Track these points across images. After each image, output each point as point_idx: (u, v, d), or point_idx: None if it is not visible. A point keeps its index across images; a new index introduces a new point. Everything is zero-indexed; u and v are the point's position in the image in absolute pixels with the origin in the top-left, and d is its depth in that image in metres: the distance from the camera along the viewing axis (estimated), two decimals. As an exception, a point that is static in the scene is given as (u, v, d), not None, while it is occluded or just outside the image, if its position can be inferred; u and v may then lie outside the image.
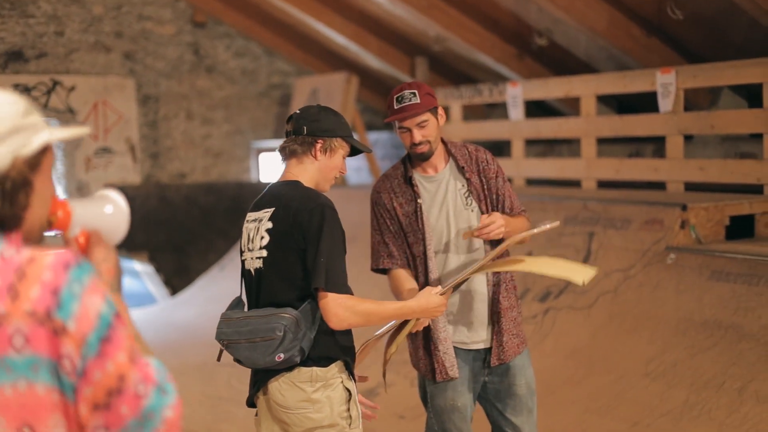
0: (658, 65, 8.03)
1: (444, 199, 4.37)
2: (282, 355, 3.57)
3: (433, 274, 4.28)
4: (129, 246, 11.59)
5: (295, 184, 3.81)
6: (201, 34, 12.58)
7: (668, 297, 6.29)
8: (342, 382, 3.70)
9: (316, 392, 3.65)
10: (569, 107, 9.71)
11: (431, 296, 3.82)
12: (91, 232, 2.12)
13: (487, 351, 4.42)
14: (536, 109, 9.99)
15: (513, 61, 9.84)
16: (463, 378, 4.41)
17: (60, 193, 2.26)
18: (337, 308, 3.58)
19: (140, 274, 11.41)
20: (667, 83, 7.69)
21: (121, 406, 1.76)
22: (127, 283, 11.29)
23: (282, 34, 12.42)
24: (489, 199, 4.40)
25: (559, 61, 9.64)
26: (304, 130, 3.84)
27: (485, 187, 4.41)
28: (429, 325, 4.30)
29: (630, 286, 6.62)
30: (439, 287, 3.89)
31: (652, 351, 6.12)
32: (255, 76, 12.95)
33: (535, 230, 3.95)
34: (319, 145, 3.85)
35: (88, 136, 11.71)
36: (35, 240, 1.98)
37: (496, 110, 10.71)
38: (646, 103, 8.30)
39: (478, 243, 4.34)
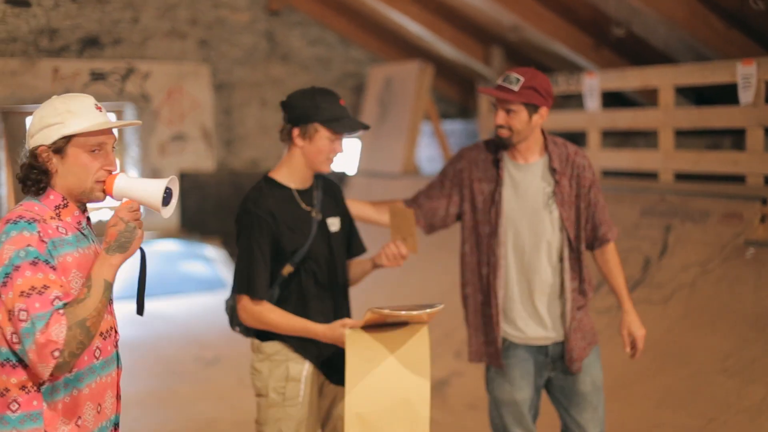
0: (738, 56, 7.89)
1: (525, 192, 4.33)
2: (237, 328, 4.19)
3: (501, 263, 4.29)
4: (203, 231, 11.68)
5: (257, 183, 4.12)
6: (276, 22, 12.61)
7: (747, 292, 6.18)
8: (288, 362, 4.05)
9: (259, 362, 4.10)
10: (646, 98, 9.59)
11: (337, 329, 3.85)
12: (128, 202, 3.00)
13: (554, 346, 4.39)
14: (612, 99, 9.88)
15: (589, 51, 9.75)
16: (524, 372, 4.39)
17: (117, 168, 2.67)
18: (241, 311, 4.01)
19: (213, 260, 11.49)
20: (748, 75, 7.55)
21: (14, 322, 2.80)
22: (200, 268, 11.38)
23: (356, 22, 12.43)
24: (576, 207, 4.35)
25: (637, 51, 9.52)
26: (285, 119, 4.09)
27: (575, 194, 4.35)
28: (488, 313, 4.38)
29: (708, 281, 6.52)
30: (349, 321, 3.87)
31: (729, 346, 6.02)
32: (329, 64, 12.97)
33: (414, 312, 3.72)
34: (296, 133, 4.01)
35: (162, 123, 11.81)
36: (80, 199, 3.07)
37: (572, 101, 10.61)
38: (725, 94, 8.17)
39: (556, 255, 4.34)
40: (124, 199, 3.03)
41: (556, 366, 4.41)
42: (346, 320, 3.85)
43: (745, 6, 7.74)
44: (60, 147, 3.00)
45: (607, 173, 9.17)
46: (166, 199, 3.02)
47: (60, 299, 2.81)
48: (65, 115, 3.00)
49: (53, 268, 2.86)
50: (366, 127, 4.09)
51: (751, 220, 6.58)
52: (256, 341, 4.12)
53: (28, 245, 2.84)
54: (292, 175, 4.08)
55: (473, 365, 7.06)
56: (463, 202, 4.49)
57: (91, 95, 3.12)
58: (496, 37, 10.89)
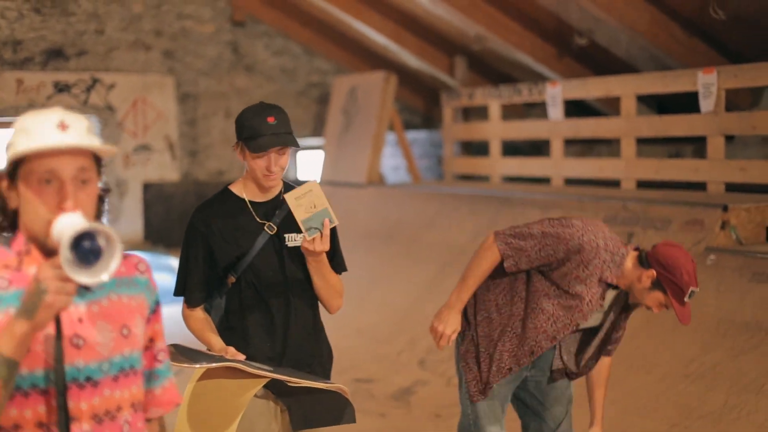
0: (700, 65, 7.97)
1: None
2: None
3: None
4: (167, 242, 11.64)
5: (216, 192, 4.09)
6: (240, 33, 12.61)
7: (709, 298, 6.22)
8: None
9: None
10: (609, 107, 9.65)
11: (230, 350, 3.80)
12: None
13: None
14: (575, 109, 9.94)
15: (553, 60, 9.80)
16: (510, 378, 4.43)
17: (71, 206, 2.29)
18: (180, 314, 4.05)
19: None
20: (708, 83, 7.62)
21: None
22: (165, 279, 11.31)
23: (321, 32, 12.44)
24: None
25: (599, 61, 9.59)
26: None
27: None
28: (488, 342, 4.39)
29: (670, 287, 6.56)
30: (232, 350, 3.83)
31: (693, 352, 6.06)
32: (294, 74, 12.97)
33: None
34: (235, 148, 3.95)
35: (127, 134, 11.77)
36: (45, 247, 2.29)
37: (535, 110, 10.67)
38: (686, 103, 8.24)
39: None
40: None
41: (535, 364, 4.44)
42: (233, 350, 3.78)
43: (705, 15, 7.82)
44: (12, 175, 2.31)
45: (570, 181, 9.22)
46: (86, 256, 2.13)
47: None
48: (19, 134, 2.30)
49: None
50: (287, 144, 3.83)
51: (712, 227, 6.63)
52: None
53: None
54: (247, 186, 3.99)
55: (438, 373, 7.07)
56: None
57: (61, 110, 2.31)
58: (460, 47, 10.93)
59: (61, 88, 11.21)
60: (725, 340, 5.95)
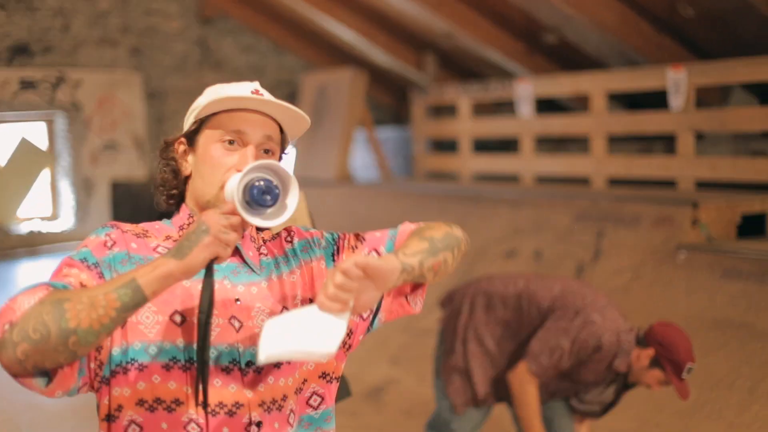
0: (669, 62, 7.98)
1: None
2: None
3: None
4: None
5: None
6: (208, 30, 12.53)
7: (679, 296, 6.23)
8: None
9: None
10: (579, 104, 9.66)
11: None
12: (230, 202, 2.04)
13: None
14: (545, 106, 9.94)
15: (522, 57, 9.79)
16: None
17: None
18: None
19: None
20: (678, 80, 7.64)
21: None
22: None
23: (290, 29, 12.38)
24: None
25: (569, 57, 9.59)
26: None
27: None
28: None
29: (640, 285, 6.56)
30: None
31: (663, 350, 6.06)
32: (262, 71, 12.90)
33: None
34: None
35: (94, 132, 11.67)
36: (209, 207, 2.14)
37: (505, 107, 10.66)
38: (656, 100, 8.25)
39: None
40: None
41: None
42: None
43: (674, 12, 7.83)
44: (193, 136, 2.28)
45: (541, 179, 9.22)
46: (260, 197, 2.02)
47: (71, 285, 2.02)
48: (209, 95, 2.26)
49: (99, 275, 2.08)
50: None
51: (682, 224, 6.62)
52: None
53: (85, 246, 2.12)
54: None
55: (410, 371, 7.04)
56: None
57: (256, 83, 2.30)
58: (429, 44, 10.91)
59: (27, 84, 11.09)
60: (696, 337, 5.91)
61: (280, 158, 2.28)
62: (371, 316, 2.31)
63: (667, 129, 7.93)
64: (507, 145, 10.39)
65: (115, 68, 11.87)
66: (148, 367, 2.07)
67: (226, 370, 2.10)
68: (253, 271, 2.21)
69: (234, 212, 1.99)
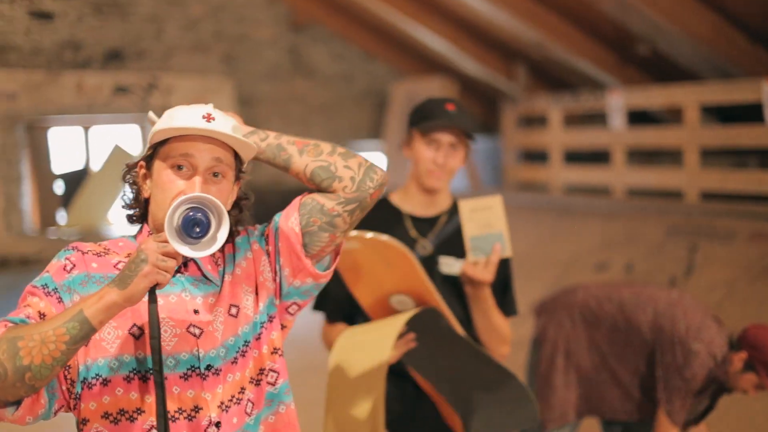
0: (765, 75, 7.86)
1: None
2: None
3: None
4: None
5: None
6: (299, 38, 12.63)
7: (773, 313, 6.14)
8: None
9: None
10: (672, 116, 9.55)
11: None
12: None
13: None
14: (637, 117, 9.84)
15: (614, 68, 9.72)
16: None
17: (193, 191, 2.22)
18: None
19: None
20: (774, 94, 7.52)
21: None
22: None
23: (380, 38, 12.43)
24: None
25: (662, 69, 9.49)
26: None
27: None
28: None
29: (734, 302, 6.47)
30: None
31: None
32: (352, 80, 12.97)
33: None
34: (403, 141, 3.58)
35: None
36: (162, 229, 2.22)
37: (596, 118, 10.58)
38: (751, 113, 8.13)
39: None
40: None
41: None
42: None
43: (769, 23, 7.72)
44: (149, 161, 2.35)
45: (633, 192, 9.13)
46: (190, 228, 2.14)
47: (27, 317, 2.16)
48: (164, 120, 2.33)
49: (59, 299, 2.22)
50: (463, 128, 3.37)
51: (778, 240, 6.53)
52: None
53: (47, 271, 2.26)
54: (408, 195, 3.55)
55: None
56: None
57: (211, 106, 2.37)
58: (519, 54, 10.87)
59: (120, 89, 11.28)
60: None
61: (236, 178, 2.39)
62: (278, 279, 2.47)
63: (763, 143, 7.81)
64: (598, 157, 10.31)
65: (207, 74, 12.02)
66: (111, 381, 2.22)
67: (185, 377, 2.25)
68: (212, 282, 2.37)
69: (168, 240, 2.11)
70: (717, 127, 8.56)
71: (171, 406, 2.23)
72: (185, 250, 2.11)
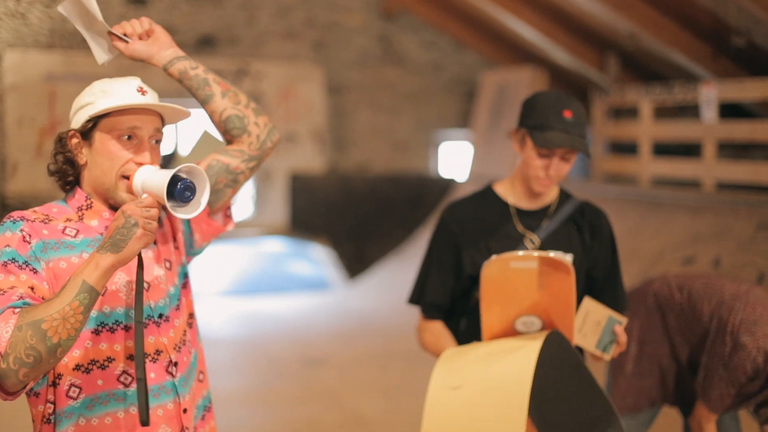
0: None
1: None
2: None
3: None
4: (311, 231, 11.74)
5: (477, 189, 3.62)
6: (390, 26, 12.63)
7: None
8: None
9: None
10: (765, 110, 9.36)
11: None
12: (148, 198, 2.43)
13: None
14: (729, 111, 9.66)
15: (708, 60, 9.54)
16: None
17: (148, 160, 2.32)
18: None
19: (319, 260, 11.54)
20: None
21: None
22: (306, 268, 11.43)
23: (471, 27, 12.37)
24: None
25: (757, 61, 9.30)
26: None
27: None
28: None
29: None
30: None
31: None
32: (442, 68, 12.94)
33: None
34: (513, 135, 3.46)
35: (275, 123, 11.88)
36: (106, 199, 2.60)
37: (688, 111, 10.41)
38: None
39: None
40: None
41: None
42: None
43: None
44: (88, 132, 2.57)
45: (723, 186, 8.97)
46: (182, 194, 2.45)
47: (23, 298, 2.34)
48: (98, 94, 2.57)
49: (33, 270, 2.42)
50: (578, 149, 3.26)
51: None
52: None
53: (7, 246, 2.43)
54: (514, 187, 3.47)
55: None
56: None
57: (137, 78, 2.66)
58: (611, 44, 10.74)
59: (213, 75, 11.38)
60: None
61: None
62: (186, 238, 2.84)
63: None
64: (688, 150, 10.15)
65: (297, 61, 12.07)
66: (80, 336, 2.48)
67: (144, 326, 2.57)
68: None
69: (152, 205, 2.39)
70: (812, 122, 8.38)
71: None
72: (180, 213, 2.46)
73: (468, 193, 3.54)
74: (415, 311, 3.82)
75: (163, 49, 2.83)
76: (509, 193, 3.47)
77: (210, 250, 11.42)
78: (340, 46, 12.40)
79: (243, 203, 11.99)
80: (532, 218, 3.42)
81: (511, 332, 3.18)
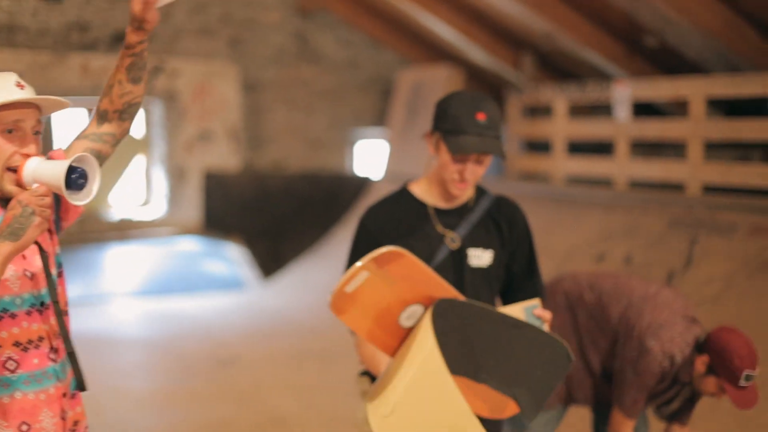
0: (772, 69, 7.79)
1: None
2: None
3: None
4: (225, 229, 11.65)
5: (392, 191, 3.55)
6: (306, 23, 12.57)
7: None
8: None
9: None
10: (677, 109, 9.48)
11: None
12: (40, 187, 2.53)
13: None
14: (642, 109, 9.76)
15: (621, 59, 9.64)
16: None
17: (33, 151, 2.38)
18: None
19: (234, 259, 11.45)
20: (780, 87, 7.44)
21: None
22: (221, 267, 11.33)
23: (388, 25, 12.37)
24: None
25: (669, 61, 9.41)
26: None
27: None
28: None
29: (732, 295, 6.40)
30: None
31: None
32: (359, 67, 12.91)
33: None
34: (427, 138, 3.41)
35: (189, 121, 11.78)
36: None
37: (601, 110, 10.50)
38: (757, 107, 8.05)
39: None
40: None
41: None
42: None
43: (780, 18, 7.64)
44: None
45: (635, 184, 9.06)
46: (76, 182, 2.58)
47: None
48: None
49: None
50: (492, 152, 3.26)
51: (779, 234, 6.46)
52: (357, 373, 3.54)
53: None
54: (431, 188, 3.44)
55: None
56: None
57: (13, 73, 2.73)
58: (527, 44, 10.80)
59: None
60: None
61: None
62: (57, 229, 2.86)
63: (767, 137, 7.73)
64: (602, 148, 10.24)
65: (213, 58, 11.96)
66: (18, 315, 2.64)
67: (29, 313, 2.67)
68: None
69: (46, 194, 2.51)
70: (722, 121, 8.48)
71: (41, 332, 2.69)
72: (75, 200, 2.57)
73: (384, 195, 3.50)
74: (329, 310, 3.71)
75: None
76: (426, 193, 3.44)
77: (122, 249, 11.24)
78: (256, 44, 12.32)
79: (156, 202, 11.85)
80: (451, 217, 3.41)
81: (403, 332, 3.10)
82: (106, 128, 2.90)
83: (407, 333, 3.09)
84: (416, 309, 3.05)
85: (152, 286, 10.73)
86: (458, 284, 3.29)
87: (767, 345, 5.88)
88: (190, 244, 11.62)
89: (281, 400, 7.06)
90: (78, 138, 2.88)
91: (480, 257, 3.39)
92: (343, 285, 2.89)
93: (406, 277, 2.98)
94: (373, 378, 3.40)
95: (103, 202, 11.63)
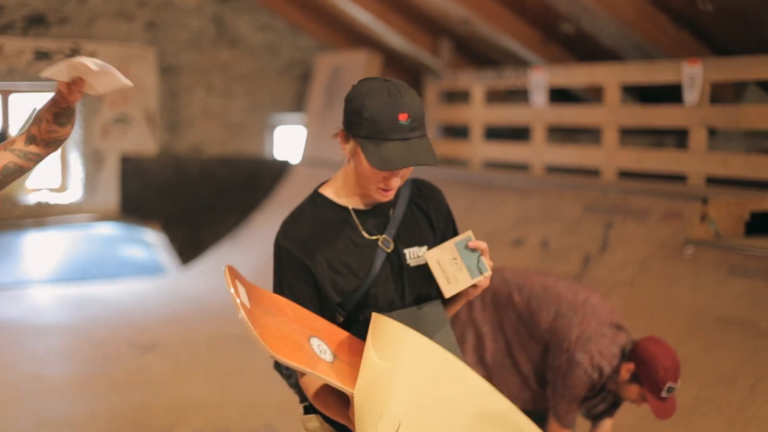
0: (686, 57, 7.92)
1: None
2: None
3: None
4: (142, 214, 11.56)
5: (304, 200, 3.14)
6: (224, 7, 12.49)
7: (684, 291, 6.19)
8: None
9: None
10: (592, 95, 9.61)
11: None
12: None
13: None
14: (558, 95, 9.88)
15: (538, 46, 9.73)
16: None
17: None
18: None
19: (152, 244, 11.37)
20: (693, 75, 7.58)
21: None
22: (139, 252, 11.24)
23: (306, 10, 12.34)
24: None
25: (585, 48, 9.53)
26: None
27: None
28: None
29: (646, 279, 6.52)
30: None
31: (666, 344, 6.04)
32: (277, 51, 12.87)
33: None
34: (341, 139, 3.03)
35: (106, 104, 11.65)
36: None
37: (518, 95, 10.60)
38: (670, 94, 8.20)
39: None
40: None
41: None
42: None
43: (693, 7, 7.76)
44: None
45: (552, 169, 9.18)
46: None
47: None
48: None
49: None
50: (424, 164, 2.73)
51: (690, 219, 6.59)
52: (301, 411, 3.13)
53: None
54: (346, 189, 3.04)
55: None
56: None
57: None
58: (445, 29, 10.85)
59: (41, 55, 11.07)
60: (699, 333, 5.91)
61: None
62: None
63: (680, 123, 7.87)
64: (519, 134, 10.35)
65: (130, 42, 11.84)
66: None
67: None
68: None
69: None
70: (636, 107, 8.63)
71: None
72: None
73: (297, 206, 3.06)
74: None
75: None
76: (342, 196, 3.03)
77: (38, 235, 11.08)
78: (174, 27, 12.21)
79: (72, 187, 11.72)
80: (376, 217, 3.01)
81: (337, 363, 2.75)
82: (33, 149, 2.97)
83: (342, 363, 2.77)
84: (320, 342, 2.77)
85: (69, 272, 10.62)
86: (399, 289, 2.98)
87: (680, 327, 6.04)
88: (108, 229, 11.50)
89: (200, 386, 7.05)
90: (4, 148, 2.91)
91: (417, 256, 3.01)
92: (253, 331, 2.56)
93: (279, 308, 2.74)
94: (318, 412, 2.99)
95: (19, 187, 11.46)
